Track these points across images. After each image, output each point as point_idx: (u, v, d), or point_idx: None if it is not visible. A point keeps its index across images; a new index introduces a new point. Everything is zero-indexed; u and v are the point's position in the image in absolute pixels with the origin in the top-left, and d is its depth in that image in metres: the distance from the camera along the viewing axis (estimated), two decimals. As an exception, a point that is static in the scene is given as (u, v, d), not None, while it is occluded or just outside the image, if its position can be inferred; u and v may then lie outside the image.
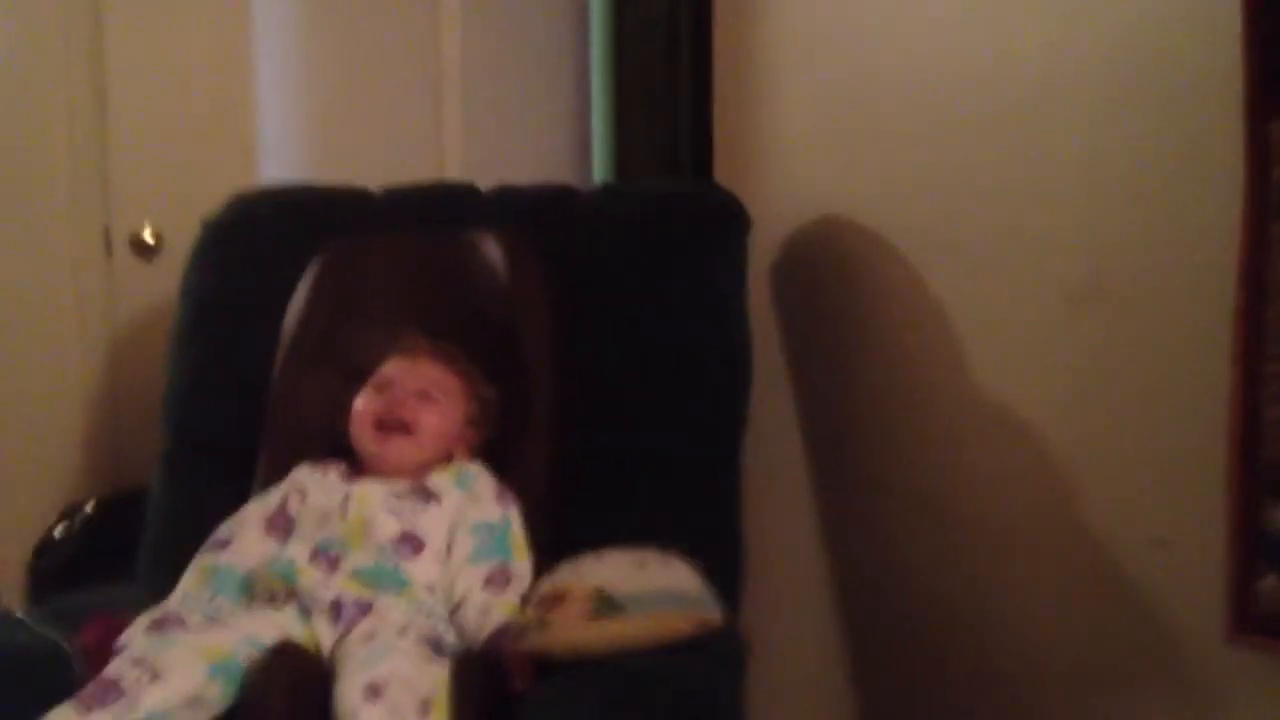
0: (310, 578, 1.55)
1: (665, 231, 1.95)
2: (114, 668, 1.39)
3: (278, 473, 1.78)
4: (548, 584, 1.48)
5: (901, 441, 1.83)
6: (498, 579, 1.59)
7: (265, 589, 1.58)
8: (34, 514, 2.61)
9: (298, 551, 1.58)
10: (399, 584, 1.57)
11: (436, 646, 1.44)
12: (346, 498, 1.65)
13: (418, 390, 1.74)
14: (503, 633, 1.49)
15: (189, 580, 1.63)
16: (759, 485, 1.87)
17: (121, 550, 2.22)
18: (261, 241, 2.03)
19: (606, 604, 1.37)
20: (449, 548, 1.64)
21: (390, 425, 1.71)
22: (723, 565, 1.69)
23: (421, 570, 1.60)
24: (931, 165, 1.74)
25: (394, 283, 1.91)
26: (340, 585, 1.54)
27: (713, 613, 1.39)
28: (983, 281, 1.67)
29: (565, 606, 1.38)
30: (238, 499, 1.81)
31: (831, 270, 1.96)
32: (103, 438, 2.70)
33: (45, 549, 2.66)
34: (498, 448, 1.79)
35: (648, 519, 1.76)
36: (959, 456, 1.72)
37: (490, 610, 1.54)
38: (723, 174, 2.17)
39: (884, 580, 1.86)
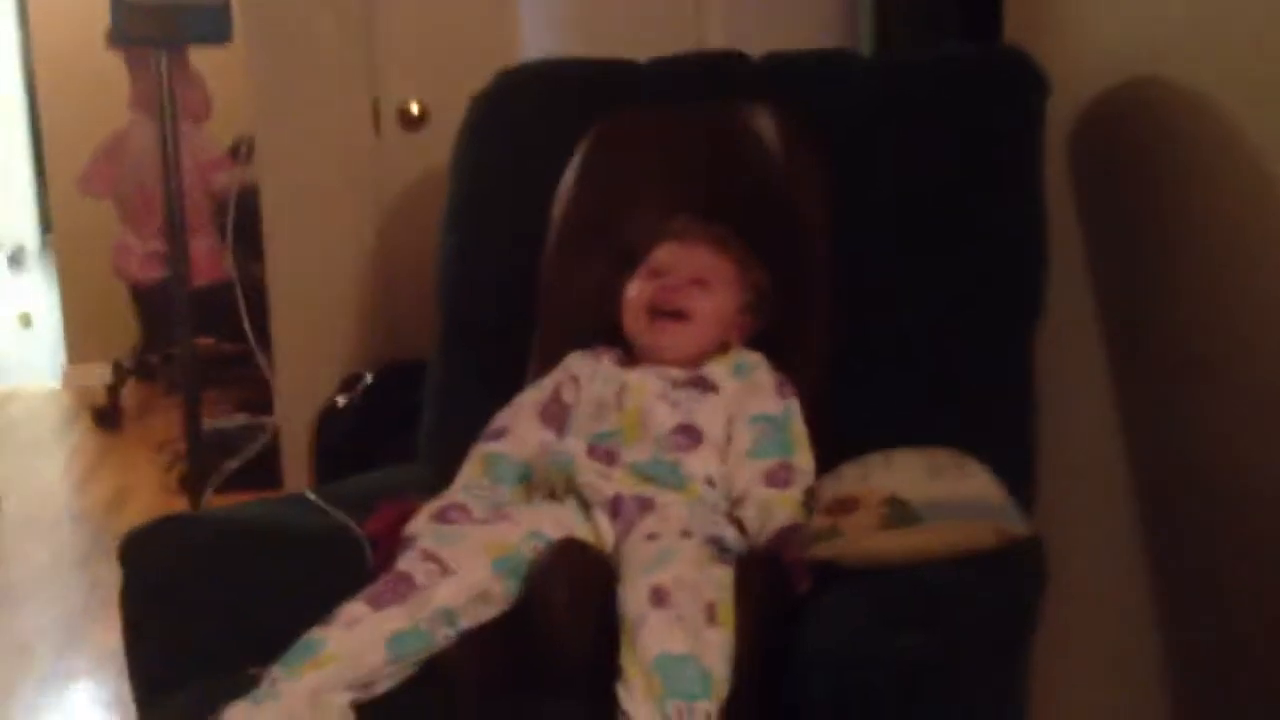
0: (589, 473, 1.52)
1: (952, 100, 1.80)
2: (405, 562, 1.40)
3: (551, 359, 1.75)
4: (835, 488, 1.41)
5: (1237, 321, 1.63)
6: (779, 475, 1.53)
7: (544, 482, 1.56)
8: (317, 387, 2.72)
9: (575, 445, 1.55)
10: (678, 480, 1.52)
11: (720, 547, 1.39)
12: (622, 388, 1.61)
13: (692, 276, 1.67)
14: (788, 533, 1.43)
15: (469, 469, 1.63)
16: (1054, 384, 1.72)
17: (401, 419, 2.26)
18: (529, 118, 1.98)
19: (902, 512, 1.29)
20: (728, 439, 1.58)
21: (664, 312, 1.66)
22: (1012, 469, 1.58)
23: (700, 463, 1.55)
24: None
25: (665, 161, 1.83)
26: (620, 481, 1.51)
27: (1016, 524, 1.29)
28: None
29: (858, 514, 1.31)
30: (513, 381, 1.81)
31: (1146, 141, 1.78)
32: (378, 311, 2.77)
33: (328, 419, 2.75)
34: (774, 336, 1.72)
35: (930, 415, 1.66)
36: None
37: (772, 508, 1.48)
38: (1014, 30, 1.99)
39: (1211, 483, 1.69)
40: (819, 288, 1.73)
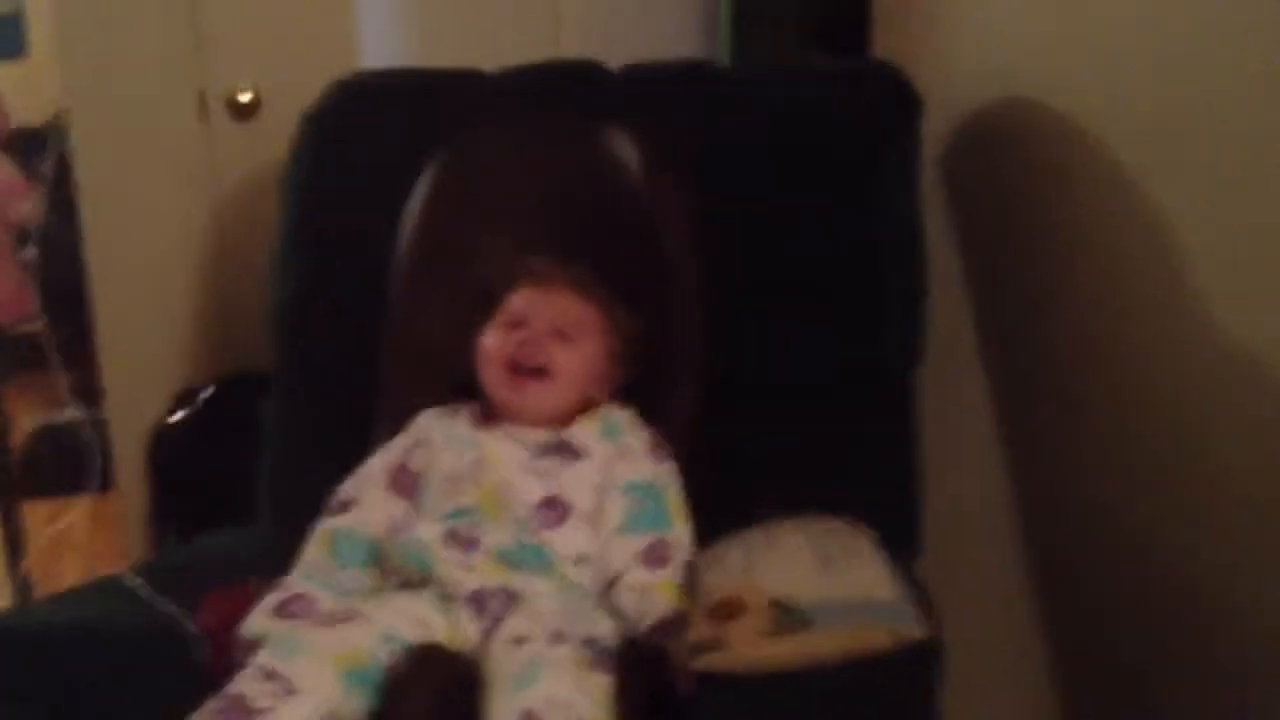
0: (447, 564, 1.38)
1: (822, 116, 1.69)
2: (242, 682, 1.25)
3: (401, 410, 1.61)
4: (717, 580, 1.29)
5: (1112, 366, 1.58)
6: (655, 553, 1.42)
7: (397, 568, 1.42)
8: (148, 401, 2.51)
9: (429, 531, 1.42)
10: (545, 563, 1.40)
11: (595, 649, 1.27)
12: (479, 461, 1.47)
13: (553, 327, 1.54)
14: (669, 625, 1.32)
15: (313, 549, 1.48)
16: (934, 417, 1.64)
17: (243, 436, 2.16)
18: (367, 136, 1.81)
19: (790, 617, 1.19)
20: (599, 510, 1.46)
21: (524, 370, 1.52)
22: (896, 524, 1.51)
23: (567, 541, 1.43)
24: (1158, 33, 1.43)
25: (520, 190, 1.69)
26: (481, 570, 1.38)
27: (910, 626, 1.20)
28: (1220, 193, 1.39)
29: (744, 620, 1.20)
30: (359, 430, 1.66)
31: (1021, 163, 1.69)
32: (214, 317, 2.57)
33: (163, 437, 2.56)
34: (644, 385, 1.59)
35: (809, 467, 1.56)
36: (1193, 393, 1.46)
37: (651, 593, 1.37)
38: (881, 48, 1.88)
39: (1087, 535, 1.64)
40: (689, 328, 1.61)
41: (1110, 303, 1.56)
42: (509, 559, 1.39)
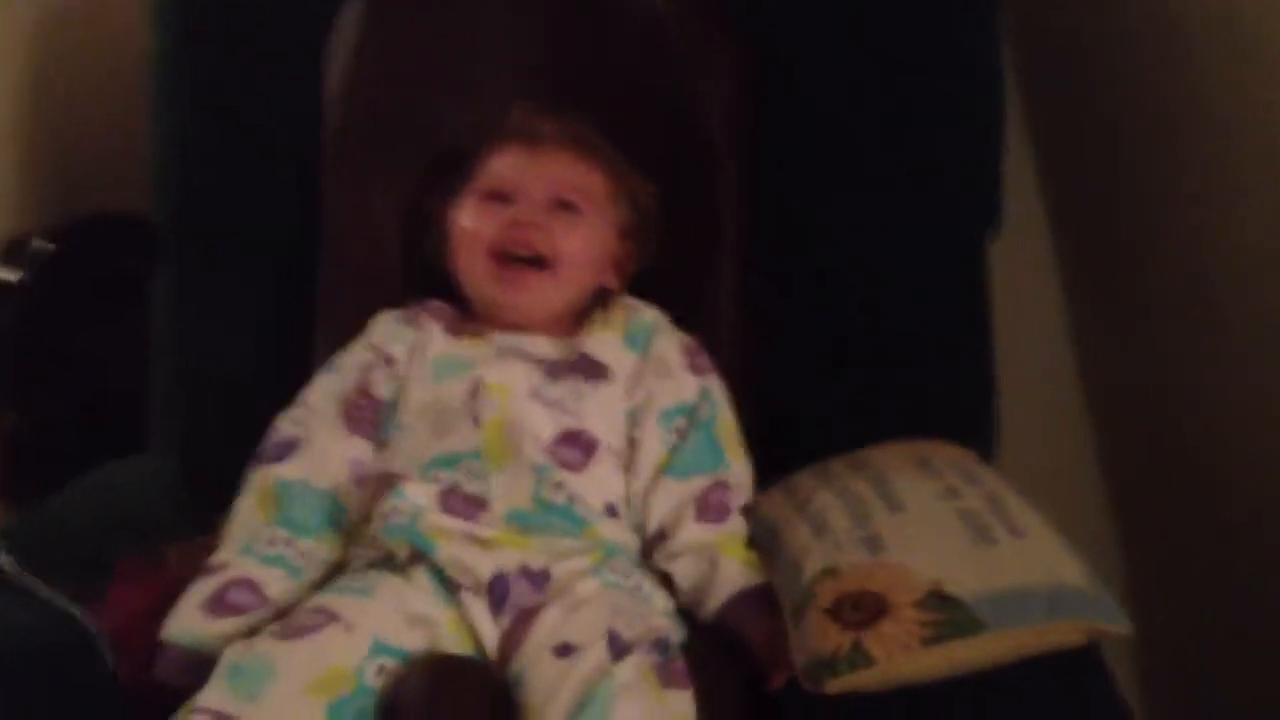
0: (449, 540, 1.03)
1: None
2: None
3: (344, 319, 1.22)
4: (823, 557, 0.97)
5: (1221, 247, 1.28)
6: (712, 500, 1.09)
7: (372, 540, 1.06)
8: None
9: (417, 491, 1.05)
10: (573, 524, 1.06)
11: (663, 653, 0.95)
12: (476, 388, 1.11)
13: (550, 199, 1.16)
14: (746, 605, 1.03)
15: (249, 510, 1.11)
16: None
17: (101, 298, 1.82)
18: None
19: (956, 618, 0.88)
20: (629, 442, 1.12)
21: (517, 258, 1.15)
22: (973, 425, 1.23)
23: (595, 487, 1.09)
24: None
25: (491, 24, 1.28)
26: (497, 544, 1.03)
27: (1115, 620, 0.90)
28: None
29: (887, 624, 0.89)
30: (286, 331, 1.27)
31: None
32: (46, 149, 2.08)
33: (-9, 302, 2.10)
34: (666, 278, 1.23)
35: (873, 381, 1.25)
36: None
37: (715, 558, 1.05)
38: None
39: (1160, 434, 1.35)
40: (726, 206, 1.25)
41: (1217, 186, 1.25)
42: (527, 523, 1.05)
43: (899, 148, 1.25)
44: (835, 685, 0.87)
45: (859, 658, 0.87)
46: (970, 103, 1.27)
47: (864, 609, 0.90)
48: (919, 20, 1.26)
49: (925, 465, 1.04)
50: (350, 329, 1.20)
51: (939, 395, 1.23)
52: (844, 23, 1.27)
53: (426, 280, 1.23)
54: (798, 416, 1.21)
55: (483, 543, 1.03)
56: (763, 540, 1.05)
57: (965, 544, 0.93)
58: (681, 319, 1.20)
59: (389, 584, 1.01)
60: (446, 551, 1.01)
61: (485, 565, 1.01)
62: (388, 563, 1.04)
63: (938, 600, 0.89)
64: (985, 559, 0.91)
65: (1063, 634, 0.89)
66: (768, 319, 1.24)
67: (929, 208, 1.26)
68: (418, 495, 1.04)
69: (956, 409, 1.24)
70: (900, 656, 0.87)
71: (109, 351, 1.95)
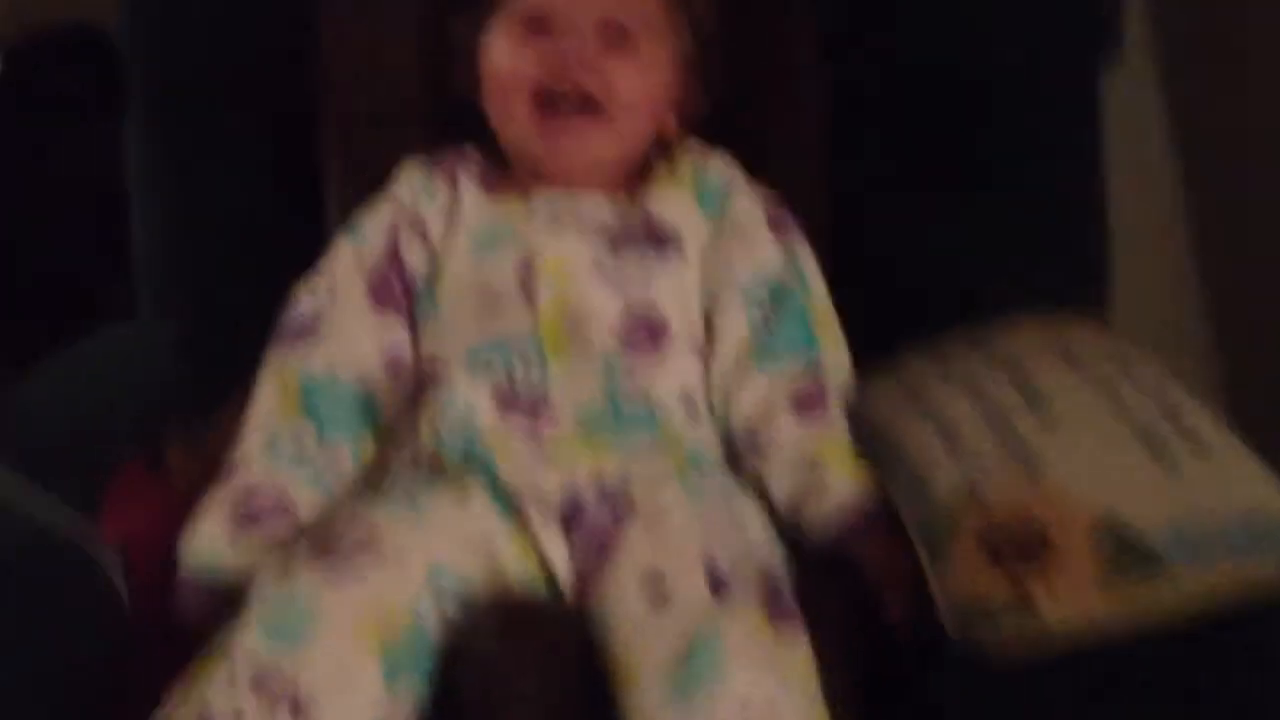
0: (513, 454, 0.87)
1: None
2: (213, 692, 0.75)
3: (359, 168, 1.04)
4: (959, 473, 0.81)
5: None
6: (807, 390, 0.93)
7: (415, 448, 0.90)
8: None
9: (473, 389, 0.88)
10: (648, 420, 0.90)
11: (772, 587, 0.80)
12: (528, 261, 0.93)
13: (600, 28, 0.97)
14: (857, 520, 0.86)
15: (269, 404, 0.94)
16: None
17: (66, 112, 1.61)
18: None
19: (1136, 558, 0.73)
20: (704, 321, 0.95)
21: (565, 100, 0.95)
22: (1089, 289, 1.06)
23: (669, 378, 0.93)
24: None
25: None
26: (565, 453, 0.87)
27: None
28: None
29: (1054, 563, 0.74)
30: (276, 168, 1.09)
31: None
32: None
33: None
34: (733, 114, 1.04)
35: (979, 219, 1.07)
36: None
37: (820, 467, 0.89)
38: None
39: None
40: (801, 29, 1.05)
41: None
42: (598, 425, 0.89)
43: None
44: (997, 636, 0.73)
45: (1024, 605, 0.73)
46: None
47: (1023, 544, 0.75)
48: None
49: (1070, 356, 0.88)
50: (367, 174, 1.01)
51: (1053, 243, 1.06)
52: None
53: (456, 121, 1.03)
54: (893, 270, 1.03)
55: (549, 449, 0.87)
56: (873, 444, 0.90)
57: (1139, 462, 0.78)
58: (751, 165, 1.01)
59: (441, 499, 0.86)
60: (508, 463, 0.86)
61: (553, 480, 0.86)
62: (436, 471, 0.88)
63: (1113, 534, 0.74)
64: (1165, 480, 0.76)
65: (1264, 574, 0.74)
66: (852, 154, 1.05)
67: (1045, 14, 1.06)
68: (470, 392, 0.88)
69: (1072, 258, 1.07)
70: (1073, 604, 0.72)
71: (71, 183, 1.77)
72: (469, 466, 0.87)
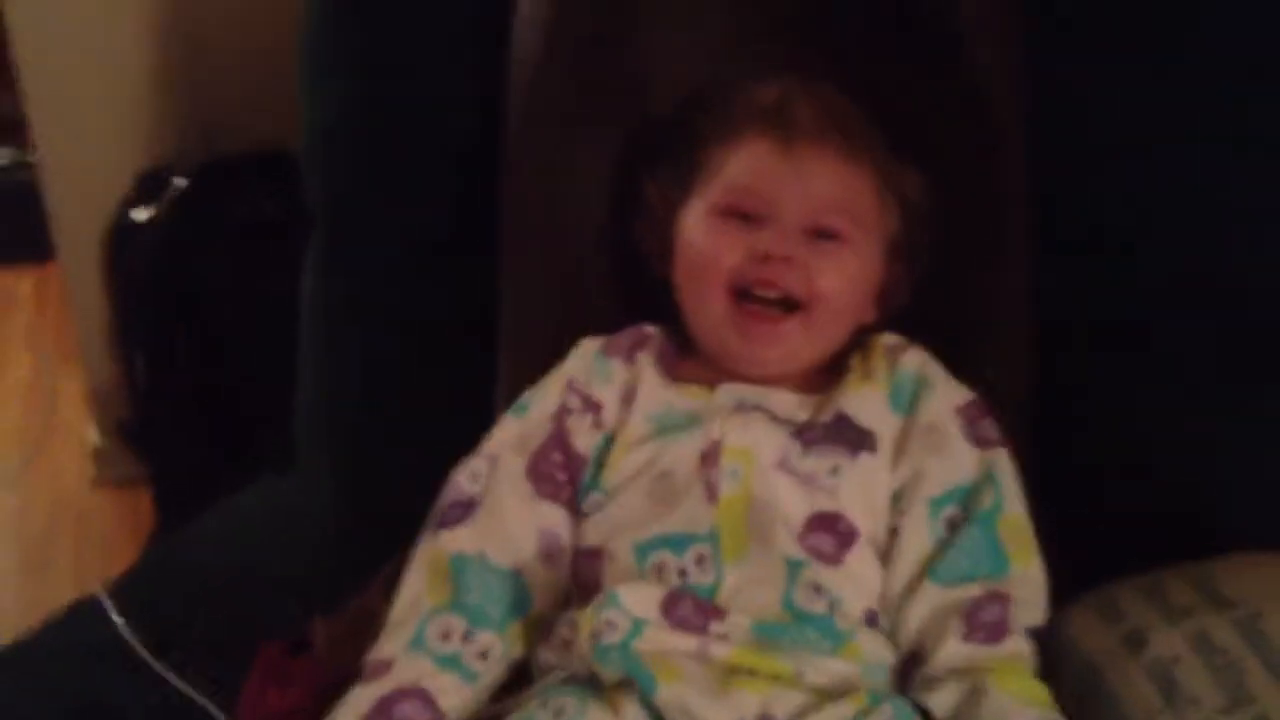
0: (676, 670, 0.79)
1: None
2: None
3: (533, 338, 1.00)
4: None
5: None
6: (989, 618, 0.84)
7: (567, 654, 0.83)
8: (94, 169, 1.87)
9: (638, 598, 0.81)
10: (832, 639, 0.82)
11: None
12: (711, 452, 0.86)
13: (810, 221, 0.91)
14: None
15: (417, 588, 0.89)
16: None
17: (229, 239, 1.78)
18: None
19: None
20: (892, 530, 0.87)
21: (766, 300, 0.90)
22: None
23: (854, 588, 0.85)
24: None
25: None
26: (735, 674, 0.79)
27: None
28: None
29: None
30: (456, 354, 1.06)
31: None
32: (180, 87, 1.87)
33: (125, 237, 1.92)
34: (931, 298, 0.97)
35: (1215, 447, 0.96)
36: None
37: (984, 690, 0.80)
38: None
39: None
40: (1011, 192, 0.97)
41: None
42: (775, 638, 0.81)
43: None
44: None
45: None
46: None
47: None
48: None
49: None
50: (541, 350, 0.96)
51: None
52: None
53: (637, 291, 0.98)
54: (1104, 485, 0.94)
55: (718, 674, 0.79)
56: (1079, 685, 0.80)
57: None
58: (953, 357, 0.93)
59: (586, 706, 0.78)
60: (671, 690, 0.78)
61: (721, 715, 0.77)
62: (590, 682, 0.81)
63: None
64: None
65: None
66: (1064, 347, 0.97)
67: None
68: (636, 603, 0.81)
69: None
70: None
71: (243, 300, 1.79)
72: (627, 688, 0.79)
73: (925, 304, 0.97)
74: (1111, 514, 0.93)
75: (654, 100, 1.00)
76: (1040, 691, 0.81)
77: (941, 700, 0.81)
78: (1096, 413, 0.97)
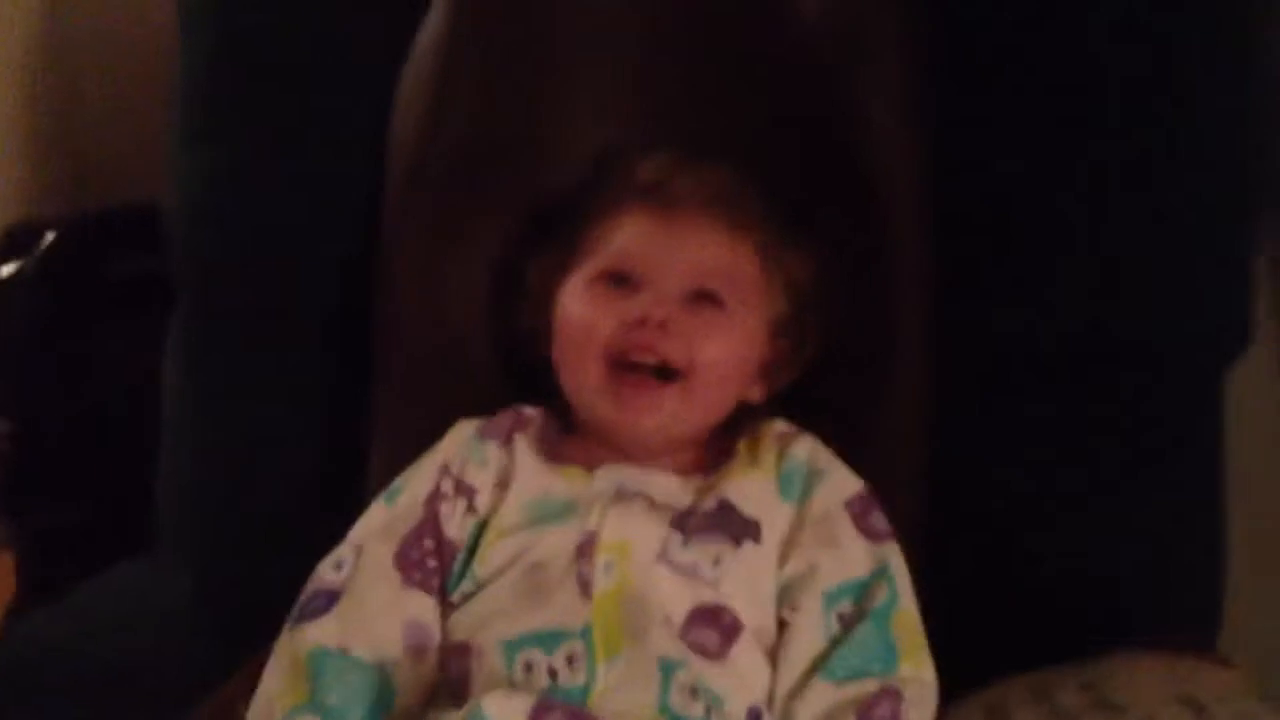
0: None
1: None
2: None
3: (408, 422, 0.95)
4: None
5: None
6: (880, 713, 0.81)
7: None
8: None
9: (502, 711, 0.76)
10: (707, 737, 0.78)
11: None
12: (587, 545, 0.83)
13: (688, 289, 0.88)
14: None
15: (274, 688, 0.83)
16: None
17: (107, 297, 1.64)
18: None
19: None
20: (778, 623, 0.84)
21: (642, 367, 0.87)
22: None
23: (737, 685, 0.82)
24: None
25: (612, 28, 0.99)
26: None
27: None
28: None
29: None
30: (333, 421, 1.00)
31: None
32: (50, 135, 1.80)
33: (-11, 295, 1.83)
34: (823, 380, 0.95)
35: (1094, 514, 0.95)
36: None
37: None
38: None
39: None
40: (908, 276, 0.96)
41: None
42: (648, 744, 0.77)
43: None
44: None
45: None
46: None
47: None
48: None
49: (1195, 707, 0.76)
50: (414, 434, 0.92)
51: (1173, 562, 0.94)
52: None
53: (517, 371, 0.94)
54: (994, 584, 0.92)
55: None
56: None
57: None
58: (843, 431, 0.90)
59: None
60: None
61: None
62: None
63: None
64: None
65: None
66: (955, 443, 0.95)
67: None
68: (501, 716, 0.76)
69: (1188, 578, 0.95)
70: None
71: (115, 357, 1.72)
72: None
73: (817, 385, 0.94)
74: (1000, 611, 0.91)
75: (542, 176, 0.97)
76: None
77: None
78: (981, 514, 0.95)
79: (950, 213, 0.97)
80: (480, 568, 0.85)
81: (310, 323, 1.02)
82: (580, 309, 0.89)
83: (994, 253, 0.97)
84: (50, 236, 1.76)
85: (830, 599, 0.84)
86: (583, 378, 0.89)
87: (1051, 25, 0.94)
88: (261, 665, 0.85)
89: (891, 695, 0.81)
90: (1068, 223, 0.95)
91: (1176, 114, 0.93)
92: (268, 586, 0.87)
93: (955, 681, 0.84)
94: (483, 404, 0.93)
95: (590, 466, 0.88)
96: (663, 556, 0.83)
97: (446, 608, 0.86)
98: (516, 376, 0.95)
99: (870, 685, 0.81)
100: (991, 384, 0.97)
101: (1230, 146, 0.97)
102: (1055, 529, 0.94)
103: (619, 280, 0.89)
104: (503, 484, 0.89)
